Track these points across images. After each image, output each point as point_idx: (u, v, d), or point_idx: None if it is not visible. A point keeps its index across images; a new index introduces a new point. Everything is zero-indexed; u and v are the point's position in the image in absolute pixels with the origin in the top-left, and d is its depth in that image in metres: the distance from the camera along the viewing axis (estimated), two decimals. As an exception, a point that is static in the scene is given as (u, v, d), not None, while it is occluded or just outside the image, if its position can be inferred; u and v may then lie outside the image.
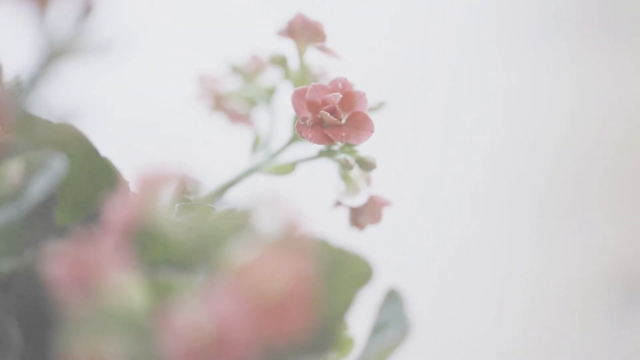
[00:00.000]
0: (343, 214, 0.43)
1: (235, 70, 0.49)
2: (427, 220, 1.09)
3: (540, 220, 1.10)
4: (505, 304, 1.01)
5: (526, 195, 1.13)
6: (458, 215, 1.11)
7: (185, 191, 0.37)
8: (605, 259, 1.04)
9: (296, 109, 0.40)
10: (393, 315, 0.37)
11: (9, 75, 0.36)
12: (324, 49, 0.44)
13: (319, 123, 0.40)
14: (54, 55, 0.31)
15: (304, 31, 0.43)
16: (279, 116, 0.47)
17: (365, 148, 0.42)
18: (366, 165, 0.42)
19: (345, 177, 0.43)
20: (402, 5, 1.37)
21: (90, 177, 0.36)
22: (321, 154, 0.42)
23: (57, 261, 0.28)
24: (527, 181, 1.15)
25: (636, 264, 1.04)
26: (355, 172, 0.43)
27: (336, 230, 0.39)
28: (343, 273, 0.32)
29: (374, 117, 0.41)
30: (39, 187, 0.32)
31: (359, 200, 0.43)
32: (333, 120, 0.39)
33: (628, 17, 1.36)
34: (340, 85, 0.40)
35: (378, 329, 0.38)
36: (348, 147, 0.42)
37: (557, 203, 1.12)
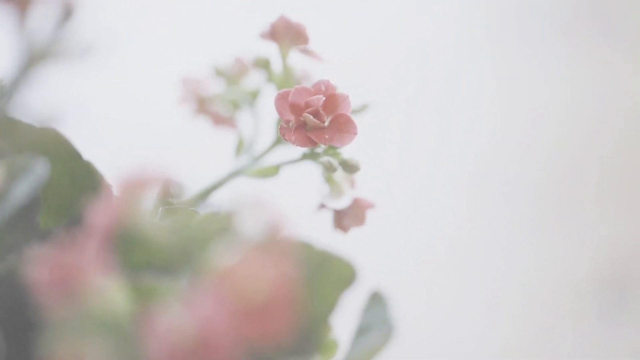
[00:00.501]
0: (327, 217, 0.43)
1: (219, 73, 0.49)
2: (419, 221, 1.09)
3: (532, 219, 1.11)
4: (497, 303, 1.02)
5: (518, 195, 1.14)
6: (450, 215, 1.11)
7: (168, 194, 0.37)
8: (597, 258, 1.04)
9: (279, 112, 0.40)
10: (377, 318, 0.37)
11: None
12: (307, 52, 0.44)
13: (302, 126, 0.40)
14: (34, 59, 0.31)
15: (287, 34, 0.43)
16: (263, 119, 0.47)
17: (352, 150, 0.42)
18: (350, 167, 0.42)
19: (329, 180, 0.43)
20: (389, 7, 1.37)
21: (73, 180, 0.36)
22: (305, 156, 0.42)
23: (39, 265, 0.28)
24: (519, 181, 1.15)
25: (628, 263, 1.04)
26: (339, 175, 0.43)
27: (320, 233, 0.39)
28: (327, 275, 0.32)
29: (360, 119, 0.41)
30: (22, 191, 0.32)
31: (343, 203, 0.42)
32: (316, 122, 0.39)
33: (621, 17, 1.36)
34: (323, 88, 0.40)
35: (362, 331, 0.38)
36: (331, 149, 0.42)
37: (549, 203, 1.12)
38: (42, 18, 0.31)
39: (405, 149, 1.18)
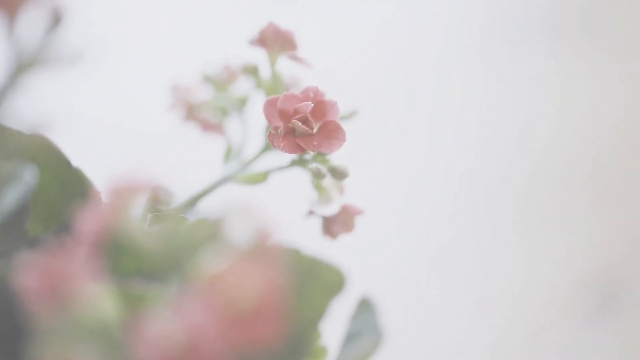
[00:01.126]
0: (316, 223, 0.43)
1: (207, 79, 0.49)
2: (406, 226, 1.09)
3: (518, 224, 1.11)
4: (485, 308, 1.02)
5: (505, 200, 1.14)
6: (437, 220, 1.11)
7: (157, 201, 0.37)
8: (584, 263, 1.04)
9: (268, 118, 0.40)
10: (366, 324, 0.38)
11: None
12: (295, 58, 0.44)
13: (291, 132, 0.40)
14: (23, 65, 0.31)
15: (275, 40, 0.44)
16: (251, 125, 0.47)
17: (342, 156, 0.42)
18: (338, 174, 0.42)
19: (317, 187, 0.43)
20: (377, 12, 1.37)
21: (62, 187, 0.36)
22: (293, 163, 0.42)
23: (28, 272, 0.28)
24: (506, 186, 1.15)
25: (614, 269, 1.04)
26: (328, 181, 0.43)
27: (309, 239, 0.39)
28: (315, 282, 0.32)
29: (349, 125, 0.41)
30: (10, 198, 0.32)
31: (331, 210, 0.43)
32: (305, 129, 0.39)
33: (612, 20, 1.37)
34: (311, 94, 0.40)
35: (351, 338, 0.38)
36: (320, 156, 0.42)
37: (536, 208, 1.13)
38: (31, 24, 0.31)
39: (393, 155, 1.18)
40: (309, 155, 0.42)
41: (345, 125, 0.40)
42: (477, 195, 1.14)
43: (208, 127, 0.50)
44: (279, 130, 0.40)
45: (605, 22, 1.36)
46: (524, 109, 1.25)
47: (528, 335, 0.98)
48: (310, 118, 0.39)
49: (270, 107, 0.40)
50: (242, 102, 0.48)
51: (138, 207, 0.31)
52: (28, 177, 0.32)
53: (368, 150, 1.12)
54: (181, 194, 0.43)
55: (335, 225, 0.43)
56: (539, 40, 1.33)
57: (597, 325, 0.99)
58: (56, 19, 0.30)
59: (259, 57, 0.45)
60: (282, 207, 0.43)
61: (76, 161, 0.37)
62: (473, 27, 1.36)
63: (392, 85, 1.26)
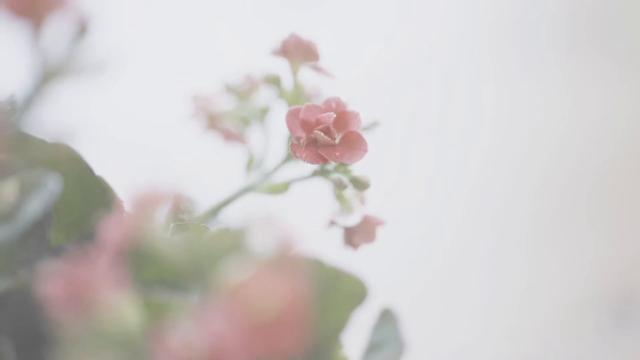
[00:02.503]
0: (337, 234, 0.43)
1: (230, 89, 0.49)
2: (414, 237, 1.09)
3: (530, 237, 1.10)
4: (494, 321, 1.01)
5: (516, 211, 1.13)
6: (445, 231, 1.11)
7: (180, 210, 0.37)
8: (595, 277, 1.04)
9: (290, 129, 0.40)
10: (388, 335, 0.37)
11: (3, 95, 0.36)
12: (317, 69, 0.44)
13: (313, 143, 0.40)
14: (49, 75, 0.31)
15: (297, 51, 0.44)
16: (273, 135, 0.47)
17: (357, 165, 0.42)
18: (360, 184, 0.42)
19: (339, 197, 0.43)
20: (395, 23, 1.37)
21: (85, 196, 0.36)
22: (315, 173, 0.43)
23: (51, 280, 0.28)
24: (517, 196, 1.15)
25: (626, 282, 1.04)
26: (349, 192, 0.43)
27: (330, 249, 0.39)
28: (338, 292, 0.32)
29: (367, 135, 0.41)
30: (34, 206, 0.32)
31: (353, 220, 0.43)
32: (327, 139, 0.39)
33: (620, 29, 1.36)
34: (334, 105, 0.40)
35: (373, 348, 0.38)
36: (342, 166, 0.42)
37: (547, 220, 1.12)
38: (56, 34, 0.31)
39: (403, 164, 1.18)
40: (331, 165, 0.42)
41: (366, 136, 0.40)
42: (486, 207, 1.14)
43: (230, 136, 0.50)
44: (301, 140, 0.40)
45: (615, 33, 1.35)
46: (534, 120, 1.24)
47: (539, 349, 0.97)
48: (332, 129, 0.39)
49: (292, 117, 0.40)
50: (263, 112, 0.48)
51: (161, 217, 0.31)
52: (52, 185, 0.33)
53: (387, 159, 1.12)
54: (203, 203, 0.44)
55: (356, 235, 0.43)
56: (549, 51, 1.33)
57: (609, 338, 0.98)
58: (81, 29, 0.30)
59: (281, 67, 0.45)
60: (303, 217, 0.43)
61: (99, 170, 0.37)
62: (484, 38, 1.36)
63: (401, 97, 1.26)
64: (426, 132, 1.23)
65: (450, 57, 1.33)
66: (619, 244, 1.08)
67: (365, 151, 0.40)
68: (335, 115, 0.39)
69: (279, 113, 0.44)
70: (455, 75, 1.30)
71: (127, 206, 0.34)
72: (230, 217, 0.45)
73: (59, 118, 0.33)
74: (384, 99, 1.23)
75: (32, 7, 0.30)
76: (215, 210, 0.45)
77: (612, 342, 0.98)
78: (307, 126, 0.40)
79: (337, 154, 0.40)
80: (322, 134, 0.39)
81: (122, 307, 0.28)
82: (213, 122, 0.50)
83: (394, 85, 1.27)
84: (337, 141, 0.40)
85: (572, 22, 1.36)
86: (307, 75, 0.45)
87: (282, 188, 0.44)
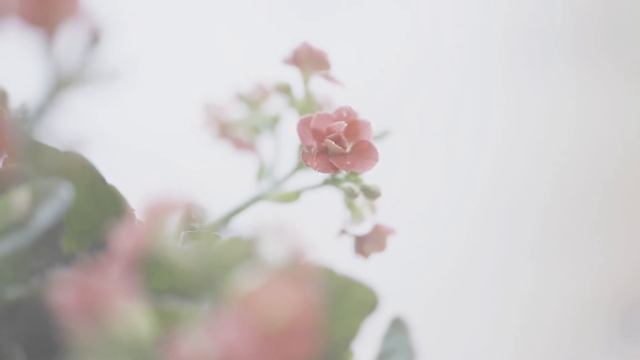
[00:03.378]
0: (348, 242, 0.43)
1: (241, 98, 0.49)
2: (422, 246, 1.09)
3: (538, 245, 1.10)
4: (502, 330, 1.01)
5: (524, 219, 1.13)
6: (455, 240, 1.11)
7: (191, 219, 0.37)
8: (602, 286, 1.04)
9: (301, 138, 0.40)
10: (398, 344, 0.37)
11: (15, 103, 0.36)
12: (328, 78, 0.44)
13: (324, 151, 0.40)
14: (61, 84, 0.31)
15: (309, 60, 0.44)
16: (284, 144, 0.47)
17: (367, 174, 0.42)
18: (371, 193, 0.42)
19: (350, 206, 0.43)
20: (406, 32, 1.37)
21: (97, 205, 0.36)
22: (326, 182, 0.43)
23: (63, 289, 0.28)
24: (525, 205, 1.15)
25: (634, 291, 1.03)
26: (360, 201, 0.43)
27: (341, 258, 0.39)
28: (348, 301, 0.32)
29: (378, 144, 0.41)
30: (46, 215, 0.32)
31: (363, 229, 0.43)
32: (338, 148, 0.39)
33: (628, 36, 1.36)
34: (345, 114, 0.40)
35: (383, 357, 0.38)
36: (353, 175, 0.42)
37: (555, 228, 1.12)
38: (69, 43, 0.31)
39: (413, 173, 1.18)
40: (342, 174, 0.42)
41: (377, 144, 0.40)
42: (495, 216, 1.14)
43: (241, 145, 0.50)
44: (313, 149, 0.40)
45: (623, 39, 1.35)
46: (543, 128, 1.24)
47: (546, 356, 0.97)
48: (343, 137, 0.39)
49: (303, 126, 0.40)
50: (274, 121, 0.48)
51: (172, 225, 0.31)
52: (64, 194, 0.33)
53: (388, 169, 1.12)
54: (214, 212, 0.44)
55: (367, 244, 0.43)
56: (558, 58, 1.33)
57: (618, 349, 0.98)
58: (94, 39, 0.31)
59: (292, 75, 0.45)
60: (314, 226, 0.43)
61: (110, 179, 0.37)
62: (494, 46, 1.36)
63: (411, 104, 1.26)
64: (435, 140, 1.23)
65: (460, 65, 1.33)
66: (627, 252, 1.08)
67: (376, 160, 0.40)
68: (346, 124, 0.39)
69: (290, 122, 0.44)
70: (465, 84, 1.30)
71: (138, 215, 0.34)
72: (242, 225, 0.45)
73: (72, 127, 0.33)
74: (393, 108, 1.23)
75: (45, 16, 0.30)
76: (227, 219, 0.45)
77: (619, 350, 0.98)
78: (318, 135, 0.40)
79: (348, 162, 0.40)
80: (333, 142, 0.39)
81: (134, 316, 0.28)
82: (224, 130, 0.51)
83: (404, 93, 1.27)
84: (348, 150, 0.40)
85: (580, 29, 1.36)
86: (318, 84, 0.45)
87: (293, 197, 0.44)
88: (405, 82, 1.28)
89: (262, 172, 0.46)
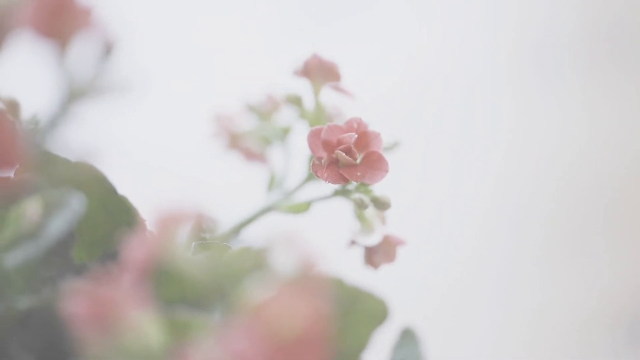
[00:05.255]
0: (358, 253, 0.43)
1: (251, 109, 0.49)
2: (428, 257, 1.09)
3: (545, 254, 1.10)
4: (509, 339, 1.01)
5: (531, 228, 1.13)
6: (462, 249, 1.11)
7: (202, 230, 0.37)
8: (609, 294, 1.04)
9: (312, 149, 0.40)
10: (408, 355, 0.37)
11: (27, 114, 0.36)
12: (339, 89, 0.44)
13: (334, 163, 0.40)
14: (74, 95, 0.31)
15: (319, 71, 0.44)
16: (294, 155, 0.47)
17: (376, 185, 0.42)
18: (381, 204, 0.42)
19: (360, 217, 0.43)
20: (416, 43, 1.38)
21: (108, 215, 0.37)
22: (336, 193, 0.43)
23: (75, 299, 0.28)
24: (532, 214, 1.15)
25: (638, 299, 1.03)
26: (370, 212, 0.43)
27: (351, 269, 0.40)
28: (359, 312, 0.32)
29: (388, 156, 0.41)
30: (57, 225, 0.32)
31: (373, 240, 0.43)
32: (348, 160, 0.39)
33: (637, 46, 1.36)
34: (355, 125, 0.40)
35: (393, 368, 0.38)
36: (363, 186, 0.42)
37: (562, 237, 1.12)
38: (82, 54, 0.31)
39: (421, 184, 1.18)
40: (352, 185, 0.42)
41: (387, 156, 0.40)
42: (502, 225, 1.14)
43: (251, 156, 0.50)
44: (323, 160, 0.40)
45: (631, 50, 1.35)
46: (551, 138, 1.24)
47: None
48: (353, 149, 0.40)
49: (314, 137, 0.40)
50: (285, 132, 0.48)
51: (183, 236, 0.32)
52: (75, 204, 0.33)
53: (396, 180, 1.12)
54: (225, 222, 0.44)
55: (377, 255, 0.43)
56: (567, 68, 1.33)
57: (622, 356, 0.98)
58: (107, 50, 0.31)
59: (302, 87, 0.45)
60: (324, 236, 0.43)
61: (121, 190, 0.37)
62: (503, 58, 1.36)
63: (420, 113, 1.26)
64: (444, 148, 1.23)
65: (470, 74, 1.33)
66: (634, 260, 1.08)
67: (387, 171, 0.40)
68: (356, 136, 0.40)
69: (300, 133, 0.44)
70: (474, 92, 1.30)
71: (149, 225, 0.34)
72: (252, 236, 0.45)
73: (83, 137, 0.33)
74: (403, 117, 1.23)
75: (58, 28, 0.30)
76: (237, 230, 0.45)
77: (625, 358, 0.98)
78: (328, 146, 0.40)
79: (359, 174, 0.40)
80: (344, 154, 0.39)
81: (145, 326, 0.28)
82: (235, 141, 0.51)
83: (414, 104, 1.27)
84: (358, 161, 0.40)
85: (589, 37, 1.36)
86: (328, 96, 0.45)
87: (303, 207, 0.44)
88: (415, 91, 1.29)
89: (272, 183, 0.46)
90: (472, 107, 1.29)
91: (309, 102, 0.45)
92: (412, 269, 1.04)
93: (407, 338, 0.38)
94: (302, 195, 0.45)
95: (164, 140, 1.17)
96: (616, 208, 1.16)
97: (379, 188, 0.42)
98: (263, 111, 0.49)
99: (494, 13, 1.42)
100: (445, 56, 1.36)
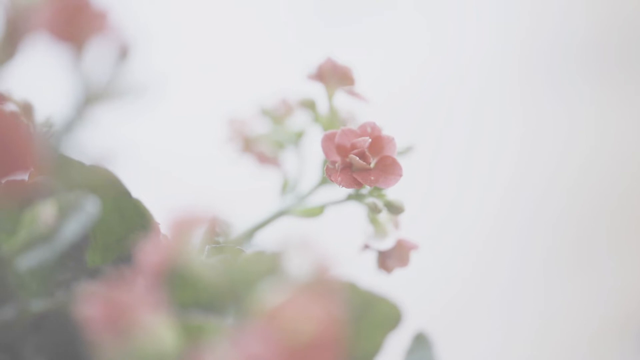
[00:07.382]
0: (371, 257, 0.43)
1: (265, 113, 0.49)
2: (436, 260, 1.09)
3: (552, 262, 1.10)
4: (515, 347, 1.01)
5: (539, 237, 1.13)
6: (469, 255, 1.11)
7: (215, 233, 0.37)
8: (617, 303, 1.03)
9: (326, 153, 0.40)
10: (422, 359, 0.37)
11: (41, 117, 0.36)
12: (353, 93, 0.44)
13: (348, 167, 0.40)
14: (89, 98, 0.31)
15: (333, 75, 0.44)
16: (308, 159, 0.47)
17: (389, 190, 0.42)
18: (394, 208, 0.42)
19: (373, 221, 0.43)
20: (427, 49, 1.38)
21: (122, 219, 0.37)
22: (350, 197, 0.43)
23: (89, 302, 0.28)
24: (539, 222, 1.14)
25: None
26: (384, 216, 0.43)
27: (365, 273, 0.40)
28: (372, 316, 0.32)
29: (401, 160, 0.41)
30: (72, 228, 0.32)
31: (387, 244, 0.43)
32: (362, 164, 0.39)
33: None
34: (369, 130, 0.40)
35: (406, 372, 0.38)
36: (376, 190, 0.42)
37: (571, 245, 1.12)
38: (97, 58, 0.31)
39: (430, 189, 1.18)
40: (366, 189, 0.42)
41: (400, 161, 0.40)
42: (509, 233, 1.13)
43: (265, 160, 0.50)
44: (337, 164, 0.40)
45: None
46: (560, 145, 1.24)
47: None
48: (367, 153, 0.39)
49: (328, 141, 0.40)
50: (298, 136, 0.48)
51: (197, 239, 0.32)
52: (90, 207, 0.33)
53: (406, 184, 1.12)
54: (239, 226, 0.44)
55: (390, 259, 0.43)
56: (577, 76, 1.32)
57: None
58: (123, 54, 0.31)
59: (316, 91, 0.45)
60: (338, 240, 0.43)
61: (136, 193, 0.37)
62: (513, 64, 1.36)
63: (430, 120, 1.26)
64: (453, 154, 1.23)
65: (480, 82, 1.33)
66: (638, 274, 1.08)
67: (400, 176, 0.40)
68: (370, 140, 0.40)
69: (314, 137, 0.44)
70: (484, 100, 1.30)
71: (164, 229, 0.34)
72: (266, 240, 0.45)
73: (98, 141, 0.34)
74: (412, 123, 1.23)
75: (74, 32, 0.30)
76: (251, 233, 0.45)
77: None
78: (342, 150, 0.40)
79: (372, 178, 0.40)
80: (358, 158, 0.39)
81: (159, 329, 0.29)
82: (248, 145, 0.51)
83: (424, 108, 1.27)
84: (372, 165, 0.40)
85: (598, 46, 1.36)
86: (342, 100, 0.45)
87: (317, 211, 0.44)
88: (426, 97, 1.28)
89: (286, 187, 0.46)
90: (482, 111, 1.29)
91: (322, 106, 0.45)
92: (419, 272, 1.04)
93: (421, 343, 0.38)
94: (316, 199, 0.45)
95: (177, 144, 1.17)
96: (625, 214, 1.15)
97: (390, 192, 0.42)
98: (277, 115, 0.49)
99: (504, 18, 1.42)
100: (456, 61, 1.36)
